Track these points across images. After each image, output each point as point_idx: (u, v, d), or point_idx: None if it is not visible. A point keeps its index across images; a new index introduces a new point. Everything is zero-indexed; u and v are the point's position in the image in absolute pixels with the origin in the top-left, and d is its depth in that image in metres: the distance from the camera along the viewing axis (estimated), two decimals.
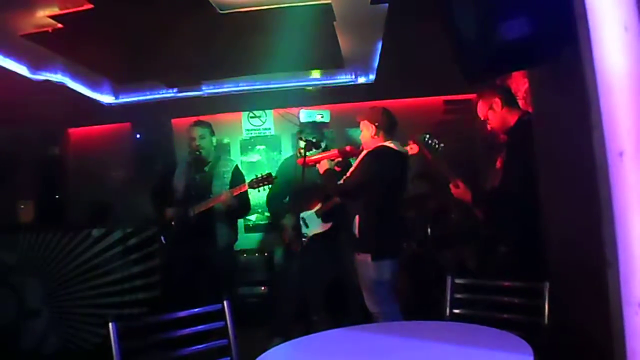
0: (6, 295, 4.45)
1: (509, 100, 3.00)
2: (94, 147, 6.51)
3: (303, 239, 4.06)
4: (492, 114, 3.03)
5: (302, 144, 4.06)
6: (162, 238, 4.38)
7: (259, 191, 4.17)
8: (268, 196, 4.55)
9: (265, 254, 5.62)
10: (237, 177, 4.29)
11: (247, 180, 4.15)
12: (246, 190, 4.15)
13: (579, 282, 2.04)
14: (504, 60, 2.17)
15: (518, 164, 2.88)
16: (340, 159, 3.84)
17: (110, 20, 3.62)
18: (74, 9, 3.41)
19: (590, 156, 1.55)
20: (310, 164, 3.83)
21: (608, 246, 1.46)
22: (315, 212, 4.20)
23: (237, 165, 4.46)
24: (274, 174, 4.15)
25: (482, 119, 3.13)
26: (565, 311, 2.16)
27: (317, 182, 3.93)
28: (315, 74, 5.41)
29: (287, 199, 4.49)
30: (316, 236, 4.21)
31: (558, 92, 2.18)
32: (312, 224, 4.20)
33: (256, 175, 4.08)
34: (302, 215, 4.20)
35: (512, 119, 2.99)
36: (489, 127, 3.14)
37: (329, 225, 4.22)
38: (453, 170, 3.15)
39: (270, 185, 4.15)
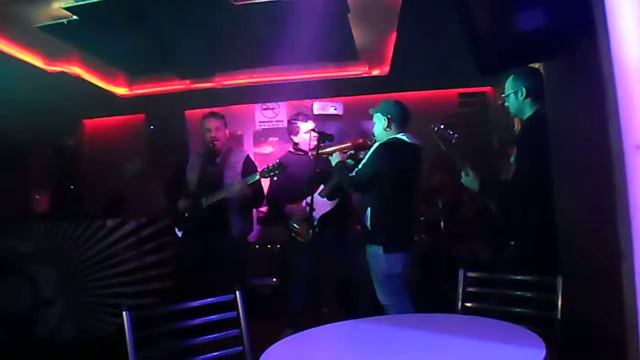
0: (21, 284, 4.51)
1: (536, 92, 2.95)
2: (108, 138, 6.56)
3: (314, 221, 4.05)
4: (513, 98, 2.99)
5: (314, 135, 4.07)
6: (178, 231, 4.40)
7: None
8: (267, 192, 4.50)
9: (278, 246, 5.64)
10: (248, 167, 4.30)
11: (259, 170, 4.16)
12: (259, 181, 4.16)
13: (593, 276, 2.02)
14: (520, 52, 2.14)
15: (530, 156, 2.85)
16: (353, 151, 3.83)
17: (125, 12, 3.64)
18: (89, 1, 3.43)
19: (606, 149, 1.53)
20: (323, 156, 3.84)
21: (623, 239, 1.45)
22: (319, 193, 4.20)
23: (248, 155, 4.47)
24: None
25: (503, 94, 3.08)
26: (578, 305, 2.14)
27: (317, 170, 3.95)
28: (329, 66, 5.40)
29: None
30: (326, 217, 4.20)
31: (573, 84, 2.16)
32: (318, 205, 4.18)
33: (267, 166, 4.09)
34: (306, 201, 4.22)
35: (529, 110, 2.96)
36: (504, 102, 3.10)
37: (335, 201, 4.22)
38: (464, 158, 3.13)
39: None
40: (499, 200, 3.31)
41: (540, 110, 2.90)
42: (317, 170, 3.96)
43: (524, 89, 2.94)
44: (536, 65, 3.10)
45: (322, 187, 4.19)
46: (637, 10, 1.35)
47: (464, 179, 3.10)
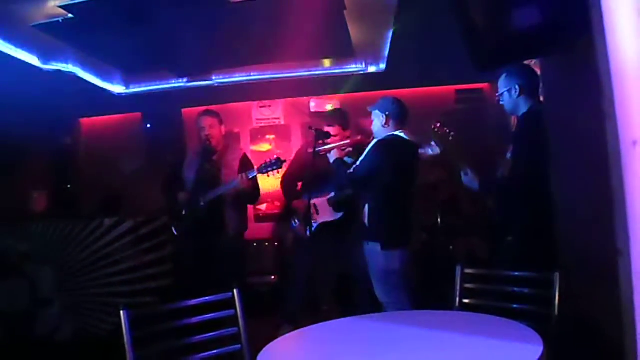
0: (20, 283, 4.51)
1: (529, 88, 2.96)
2: (105, 137, 6.54)
3: (312, 223, 4.04)
4: (507, 96, 3.00)
5: (312, 133, 4.05)
6: (174, 230, 4.40)
7: (268, 176, 4.17)
8: (283, 176, 4.51)
9: (276, 244, 5.64)
10: (245, 165, 4.30)
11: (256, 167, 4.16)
12: (256, 177, 4.16)
13: (590, 272, 2.03)
14: (516, 49, 2.15)
15: (525, 153, 2.86)
16: (351, 148, 3.83)
17: (121, 10, 3.62)
18: None
19: (602, 145, 1.53)
20: (322, 153, 3.84)
21: (619, 236, 1.45)
22: (328, 199, 4.20)
23: (245, 154, 4.47)
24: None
25: (497, 93, 3.09)
26: (575, 301, 2.15)
27: (331, 171, 3.93)
28: (326, 63, 5.39)
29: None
30: (326, 225, 4.20)
31: (570, 81, 2.16)
32: (323, 211, 4.19)
33: (265, 161, 4.08)
34: (313, 201, 4.21)
35: (524, 107, 2.96)
36: (500, 101, 3.11)
37: (339, 215, 4.21)
38: (463, 158, 3.14)
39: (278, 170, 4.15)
40: (496, 197, 3.32)
41: (534, 106, 2.91)
42: (316, 169, 3.95)
43: (517, 87, 2.95)
44: (533, 62, 3.10)
45: (332, 194, 4.18)
46: (633, 7, 1.35)
47: (464, 179, 3.11)
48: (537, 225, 2.66)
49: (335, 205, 4.21)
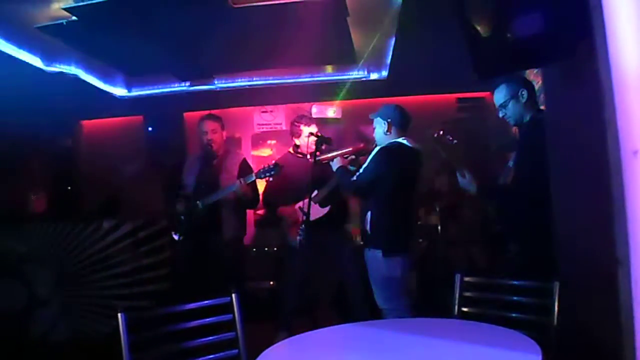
0: (17, 284, 4.50)
1: (532, 96, 2.96)
2: (106, 140, 6.55)
3: (301, 227, 4.02)
4: (514, 103, 2.96)
5: (312, 139, 4.04)
6: (174, 235, 4.39)
7: (266, 181, 4.16)
8: (264, 192, 4.49)
9: (275, 249, 5.63)
10: (244, 169, 4.29)
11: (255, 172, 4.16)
12: (255, 182, 4.16)
13: (590, 282, 2.02)
14: (518, 57, 2.15)
15: (529, 162, 2.85)
16: (354, 156, 3.81)
17: (124, 13, 3.64)
18: (88, 2, 3.43)
19: (603, 155, 1.53)
20: (323, 162, 3.83)
21: (619, 245, 1.45)
22: (312, 199, 4.18)
23: (244, 158, 4.46)
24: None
25: (497, 104, 3.06)
26: (575, 311, 2.14)
27: (314, 175, 3.92)
28: (328, 69, 5.40)
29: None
30: (316, 225, 4.18)
31: (571, 90, 2.16)
32: (311, 211, 4.17)
33: (263, 167, 4.08)
34: (298, 205, 4.21)
35: (527, 115, 2.95)
36: (500, 114, 3.07)
37: (326, 209, 4.21)
38: (462, 162, 3.11)
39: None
40: (498, 205, 3.31)
41: (536, 115, 2.90)
42: (315, 175, 3.94)
43: (524, 92, 2.91)
44: (535, 71, 3.10)
45: (315, 192, 4.17)
46: (635, 17, 1.36)
47: (461, 181, 3.08)
48: (540, 234, 2.65)
49: (320, 202, 4.19)
